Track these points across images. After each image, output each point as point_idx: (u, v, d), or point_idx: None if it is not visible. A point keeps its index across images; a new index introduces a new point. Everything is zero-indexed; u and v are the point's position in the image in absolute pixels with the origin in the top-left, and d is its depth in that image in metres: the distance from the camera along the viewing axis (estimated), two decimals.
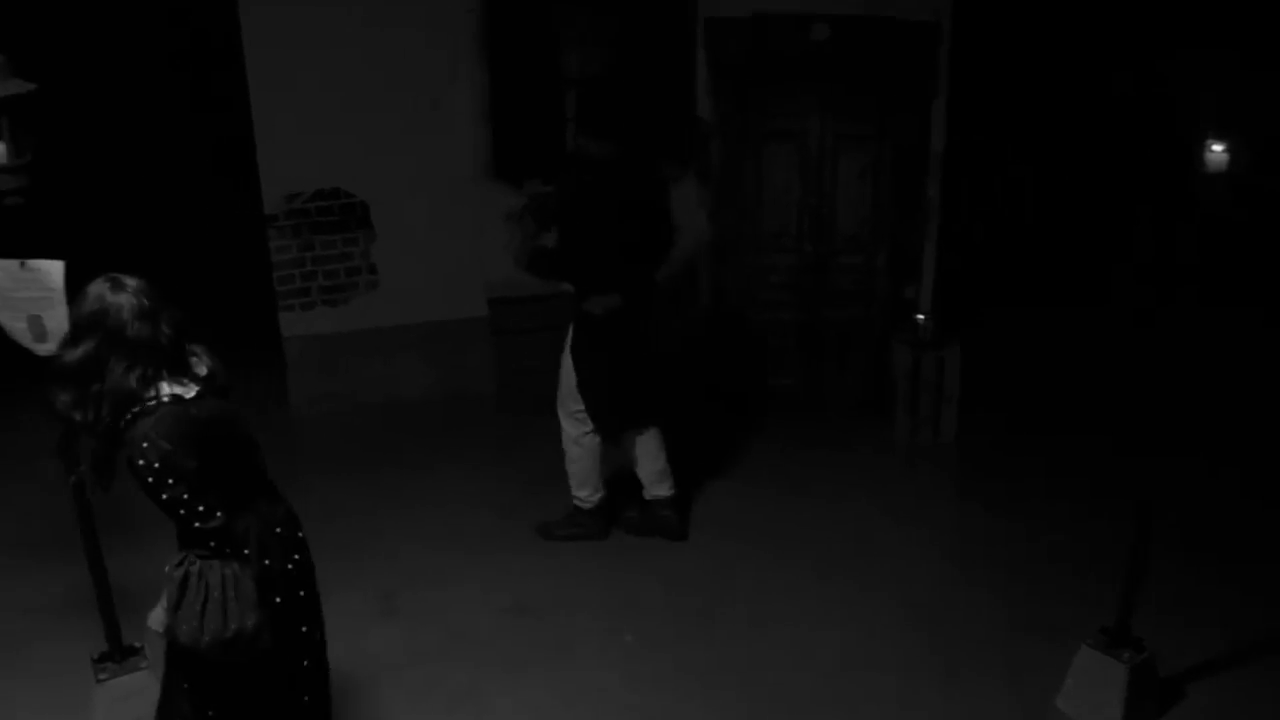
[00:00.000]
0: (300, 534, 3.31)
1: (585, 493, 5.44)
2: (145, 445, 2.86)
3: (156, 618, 3.12)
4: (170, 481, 2.88)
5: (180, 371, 3.02)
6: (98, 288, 2.98)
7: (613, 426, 5.25)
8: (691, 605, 4.98)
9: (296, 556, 3.27)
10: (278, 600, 3.19)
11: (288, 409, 6.75)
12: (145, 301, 2.96)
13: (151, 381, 2.95)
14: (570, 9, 6.23)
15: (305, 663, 3.30)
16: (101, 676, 3.89)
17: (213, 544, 3.01)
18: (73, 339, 2.97)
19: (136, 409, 2.92)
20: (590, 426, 5.24)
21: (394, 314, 6.68)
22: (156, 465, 2.86)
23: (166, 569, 3.03)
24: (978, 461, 6.35)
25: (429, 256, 6.55)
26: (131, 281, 3.00)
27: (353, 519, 5.71)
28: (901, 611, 4.91)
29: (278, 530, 3.22)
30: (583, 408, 5.19)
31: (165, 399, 2.93)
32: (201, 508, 2.94)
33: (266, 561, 3.15)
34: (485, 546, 5.49)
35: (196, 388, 3.03)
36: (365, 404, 6.76)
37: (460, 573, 5.27)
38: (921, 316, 6.46)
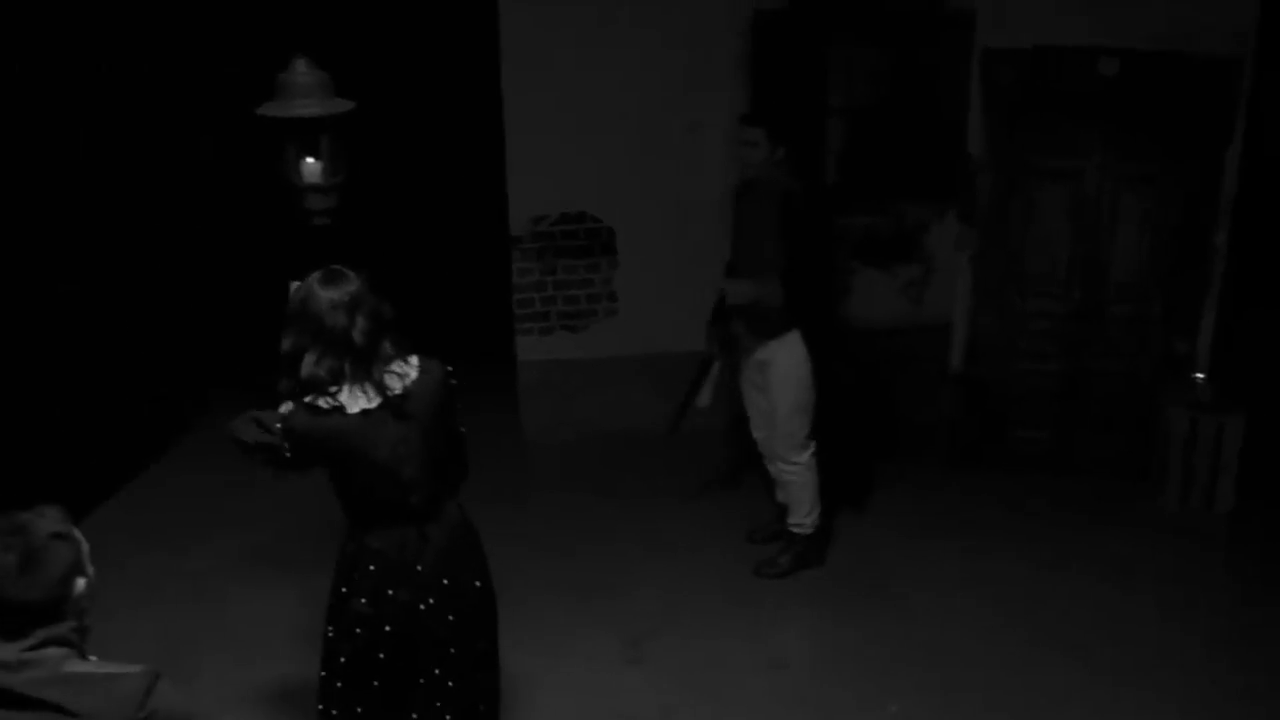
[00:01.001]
0: (447, 581, 3.21)
1: (811, 517, 5.30)
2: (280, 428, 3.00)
3: None
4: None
5: (365, 376, 2.97)
6: (310, 279, 3.00)
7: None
8: (945, 680, 4.64)
9: (431, 600, 3.18)
10: (387, 629, 3.15)
11: (520, 434, 6.63)
12: (346, 295, 2.94)
13: (339, 376, 2.94)
14: (841, 35, 5.95)
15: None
16: None
17: None
18: (285, 328, 2.99)
19: (309, 400, 2.96)
20: (813, 445, 5.17)
21: (631, 343, 6.49)
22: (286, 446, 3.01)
23: None
24: (1256, 541, 5.79)
25: (670, 285, 6.34)
26: (346, 275, 2.99)
27: (588, 555, 5.54)
28: None
29: (417, 567, 3.16)
30: (808, 430, 5.12)
31: (321, 404, 2.96)
32: None
33: (389, 591, 3.14)
34: (729, 592, 5.25)
35: (378, 400, 2.98)
36: (596, 433, 6.59)
37: (705, 621, 5.04)
38: (1200, 375, 5.97)
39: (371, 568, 3.15)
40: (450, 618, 3.22)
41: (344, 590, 3.20)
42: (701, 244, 6.34)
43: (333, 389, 2.95)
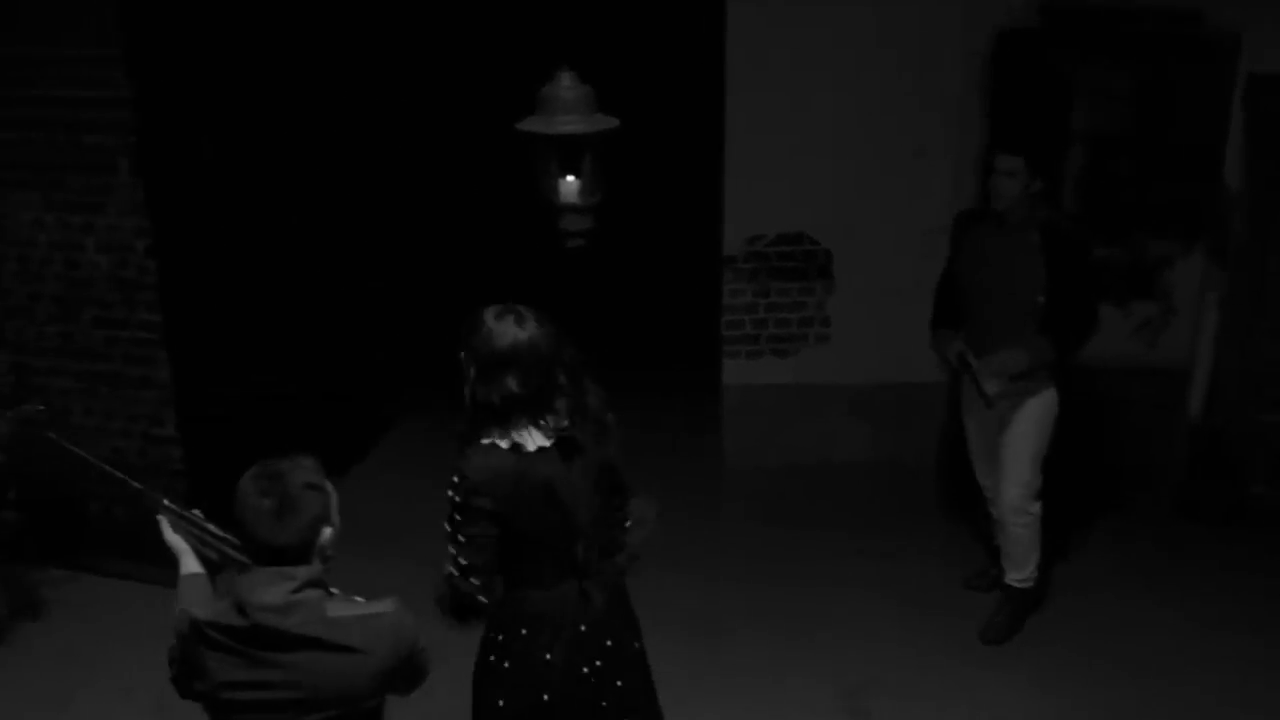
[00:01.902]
0: (610, 643, 3.01)
1: (1032, 570, 4.96)
2: (455, 479, 2.87)
3: None
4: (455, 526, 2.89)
5: (540, 413, 2.85)
6: (486, 315, 2.89)
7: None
8: None
9: (598, 663, 2.98)
10: (545, 698, 2.93)
11: (721, 459, 6.44)
12: (529, 333, 2.84)
13: (516, 410, 2.84)
14: (1091, 56, 5.58)
15: None
16: None
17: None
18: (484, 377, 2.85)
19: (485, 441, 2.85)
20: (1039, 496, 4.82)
21: (841, 371, 6.23)
22: (457, 500, 2.86)
23: None
24: None
25: (886, 314, 6.06)
26: (524, 313, 2.88)
27: (791, 591, 5.32)
28: None
29: (580, 628, 2.95)
30: (1041, 480, 4.77)
31: (499, 443, 2.83)
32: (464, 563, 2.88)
33: (546, 655, 2.93)
34: (941, 641, 4.96)
35: (552, 438, 2.85)
36: (800, 463, 6.35)
37: (919, 674, 4.76)
38: None
39: (524, 631, 2.94)
40: (618, 683, 3.01)
41: (492, 658, 3.00)
42: (922, 273, 6.02)
43: (511, 426, 2.82)
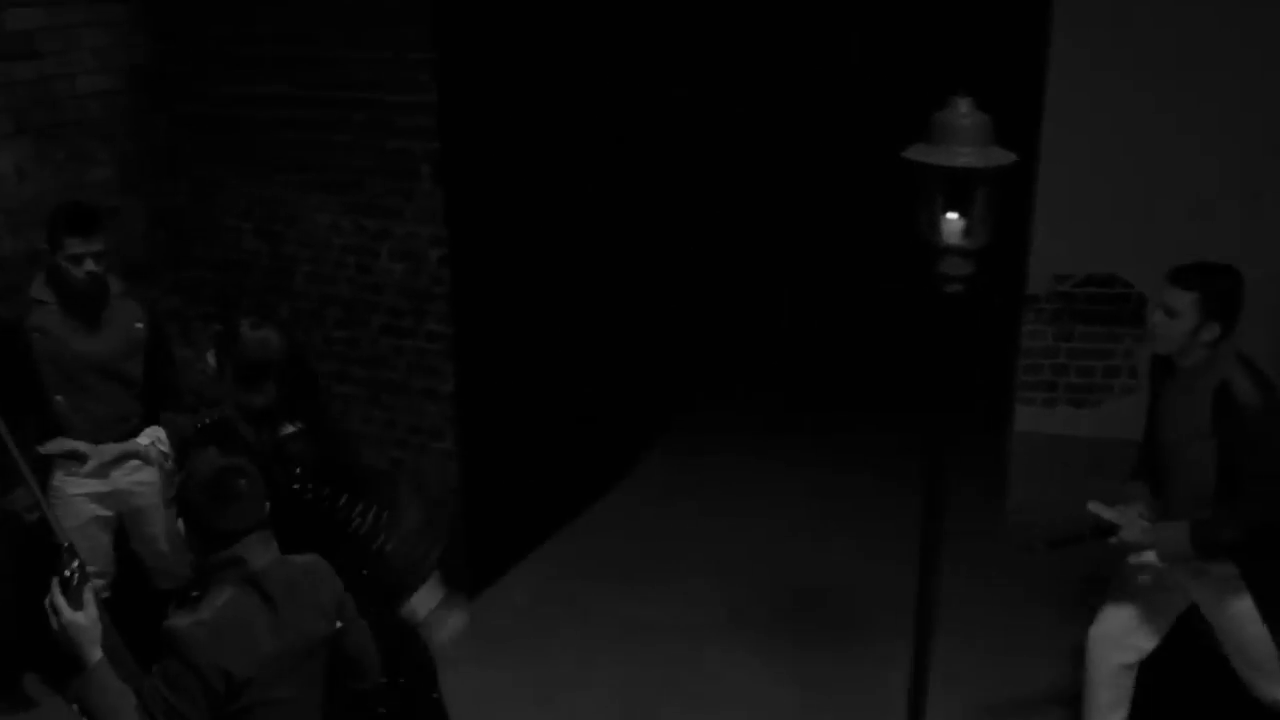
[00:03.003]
0: None
1: None
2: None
3: None
4: None
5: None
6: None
7: None
8: None
9: None
10: None
11: (1003, 511, 5.96)
12: None
13: None
14: None
15: None
16: None
17: None
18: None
19: None
20: None
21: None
22: None
23: None
24: None
25: None
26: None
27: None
28: None
29: None
30: None
31: None
32: None
33: None
34: None
35: None
36: (1089, 522, 5.81)
37: None
38: None
39: None
40: None
41: None
42: (1249, 335, 5.47)
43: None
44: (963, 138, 2.95)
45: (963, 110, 2.96)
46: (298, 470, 3.20)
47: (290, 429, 3.26)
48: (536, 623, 5.20)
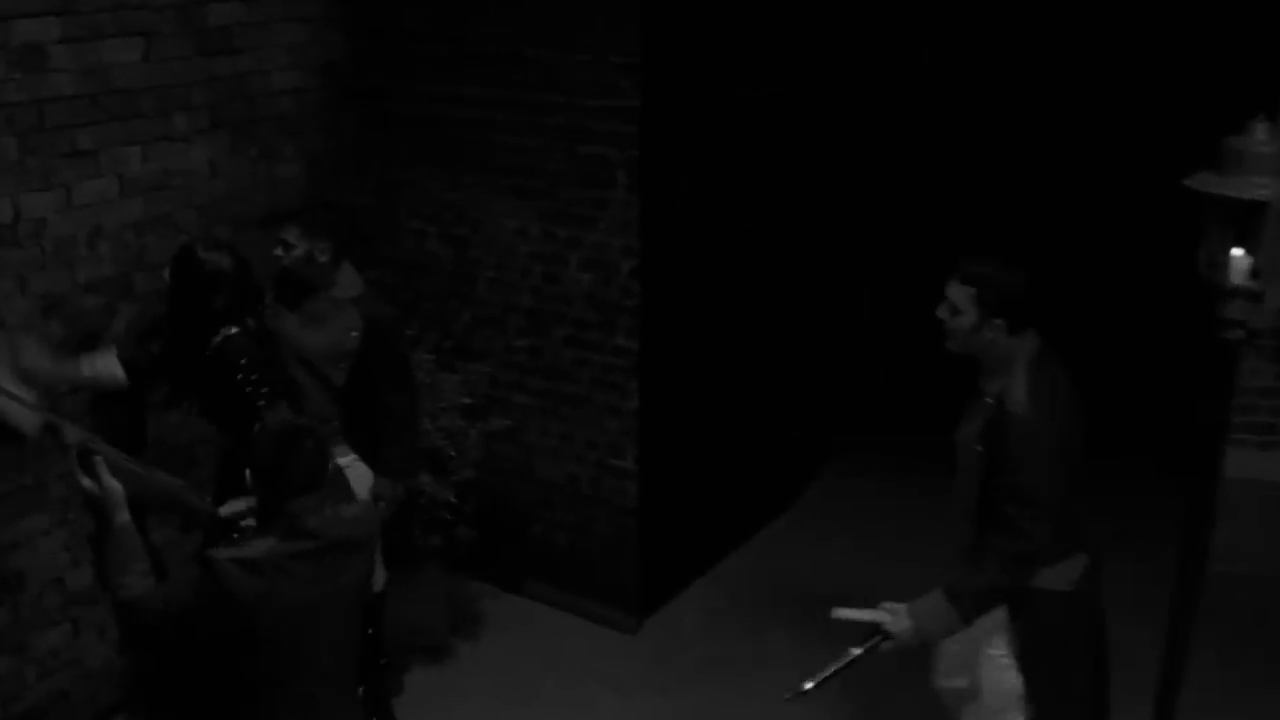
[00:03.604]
0: None
1: None
2: None
3: None
4: None
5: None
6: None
7: None
8: None
9: None
10: None
11: (1211, 558, 5.55)
12: None
13: None
14: None
15: None
16: None
17: None
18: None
19: None
20: None
21: None
22: None
23: None
24: None
25: None
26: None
27: None
28: None
29: None
30: None
31: None
32: None
33: None
34: None
35: None
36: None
37: None
38: None
39: None
40: None
41: None
42: None
43: None
44: (1260, 166, 2.64)
45: (1261, 136, 2.65)
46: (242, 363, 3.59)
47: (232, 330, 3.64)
48: (706, 648, 5.00)
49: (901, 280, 7.11)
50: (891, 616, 3.28)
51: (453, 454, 4.58)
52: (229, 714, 2.95)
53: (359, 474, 4.00)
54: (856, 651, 3.32)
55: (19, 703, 4.14)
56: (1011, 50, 7.14)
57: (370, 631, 4.26)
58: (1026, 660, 3.39)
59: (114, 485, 2.86)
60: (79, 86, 4.03)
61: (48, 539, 4.17)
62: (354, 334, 4.10)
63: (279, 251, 4.08)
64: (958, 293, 3.32)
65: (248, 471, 2.95)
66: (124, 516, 2.85)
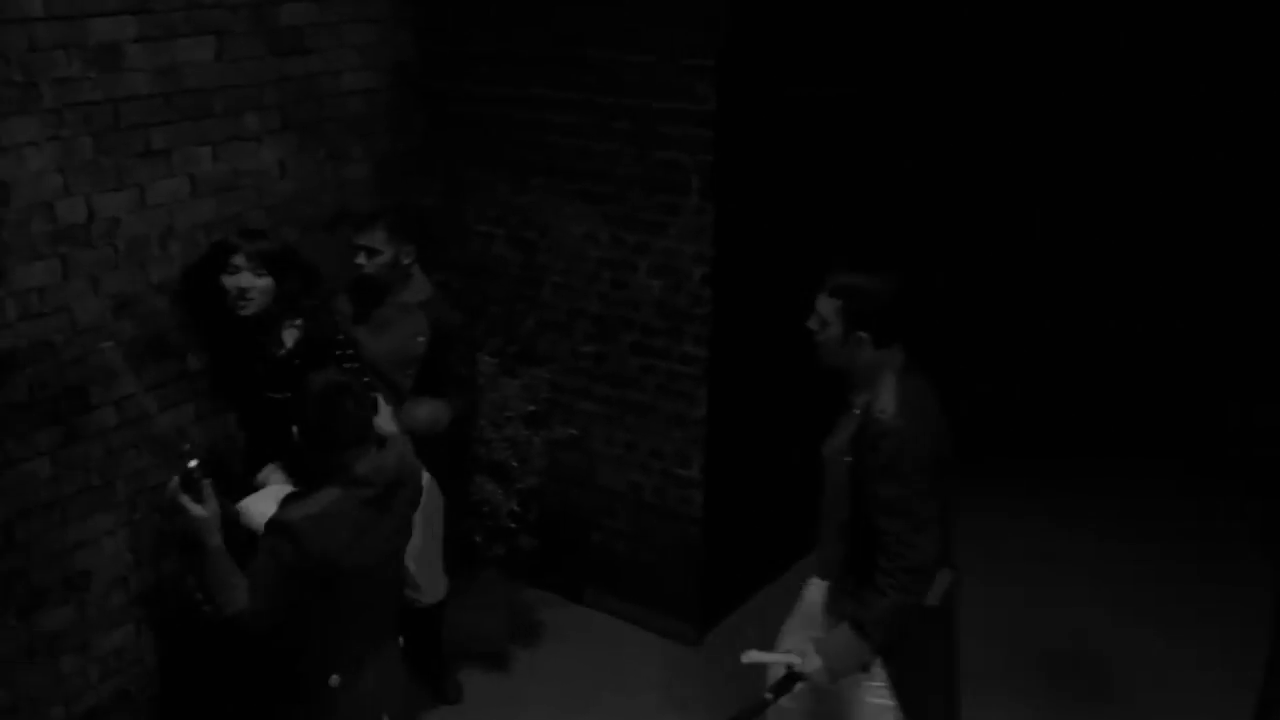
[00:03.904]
0: None
1: None
2: None
3: None
4: None
5: None
6: None
7: None
8: None
9: None
10: None
11: None
12: None
13: None
14: None
15: None
16: None
17: None
18: None
19: None
20: None
21: None
22: None
23: None
24: None
25: None
26: None
27: None
28: None
29: None
30: None
31: None
32: None
33: None
34: None
35: None
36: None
37: None
38: None
39: None
40: None
41: None
42: None
43: None
44: None
45: None
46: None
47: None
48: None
49: (970, 280, 6.99)
50: (801, 658, 3.22)
51: (515, 464, 4.53)
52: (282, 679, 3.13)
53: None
54: (769, 696, 3.27)
55: (81, 702, 4.13)
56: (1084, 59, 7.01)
57: (430, 639, 4.27)
58: (900, 681, 3.31)
59: (215, 509, 2.94)
60: (153, 86, 4.01)
61: (113, 539, 4.15)
62: (420, 339, 4.06)
63: (361, 260, 4.07)
64: (825, 305, 3.26)
65: (294, 429, 3.01)
66: (218, 539, 2.92)
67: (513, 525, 4.54)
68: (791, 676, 3.25)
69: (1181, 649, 4.95)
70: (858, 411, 3.26)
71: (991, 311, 6.84)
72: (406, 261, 4.08)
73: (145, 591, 4.28)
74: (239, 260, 3.81)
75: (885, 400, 3.15)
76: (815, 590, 3.53)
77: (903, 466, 3.08)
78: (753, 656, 3.34)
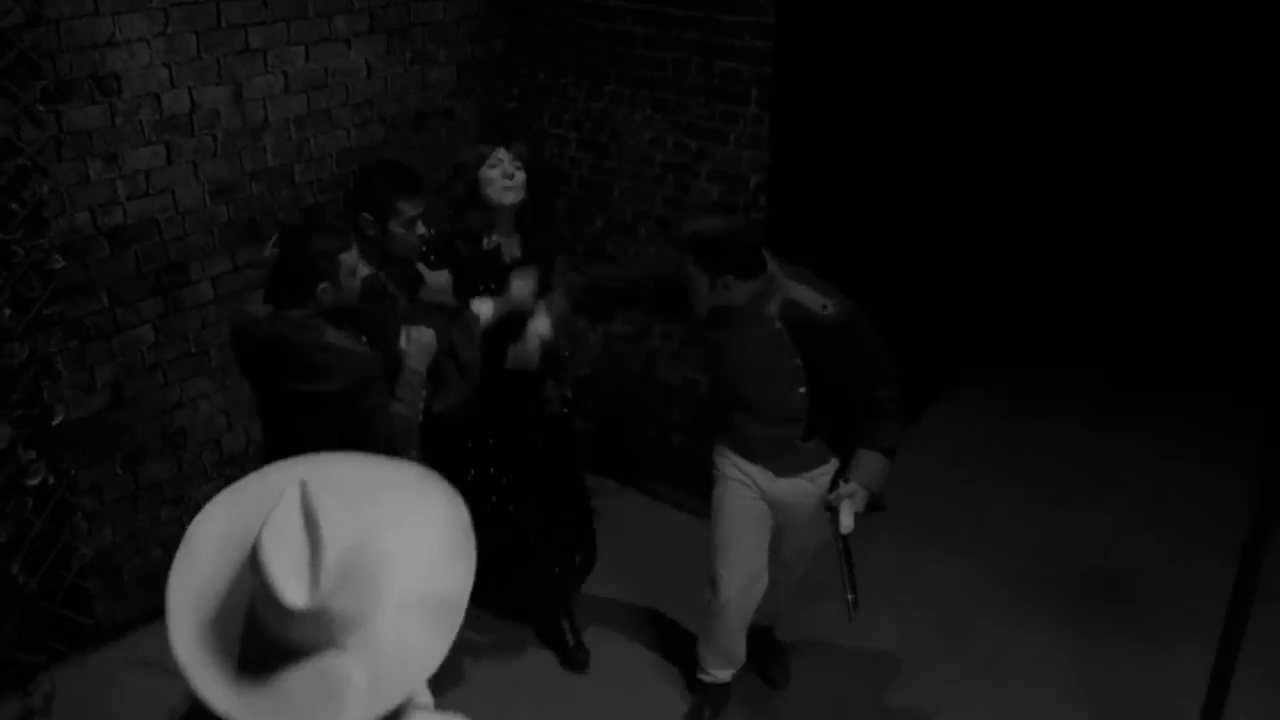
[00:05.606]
0: None
1: None
2: None
3: None
4: None
5: None
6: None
7: None
8: None
9: None
10: None
11: None
12: None
13: None
14: None
15: None
16: None
17: None
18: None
19: None
20: None
21: None
22: None
23: None
24: None
25: None
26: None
27: None
28: None
29: None
30: None
31: None
32: None
33: None
34: None
35: None
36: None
37: None
38: None
39: None
40: None
41: None
42: None
43: None
44: None
45: None
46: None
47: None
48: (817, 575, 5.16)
49: (1030, 212, 7.07)
50: (848, 498, 3.62)
51: (567, 353, 4.79)
52: None
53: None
54: (841, 542, 3.65)
55: (176, 545, 4.59)
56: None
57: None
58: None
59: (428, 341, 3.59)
60: None
61: (208, 402, 4.59)
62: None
63: (399, 230, 3.66)
64: (685, 264, 3.51)
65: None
66: (421, 368, 3.55)
67: (565, 410, 4.82)
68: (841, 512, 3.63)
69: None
70: (774, 320, 3.55)
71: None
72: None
73: (235, 453, 4.72)
74: (501, 154, 3.94)
75: (806, 293, 3.54)
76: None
77: (863, 320, 3.58)
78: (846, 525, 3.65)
